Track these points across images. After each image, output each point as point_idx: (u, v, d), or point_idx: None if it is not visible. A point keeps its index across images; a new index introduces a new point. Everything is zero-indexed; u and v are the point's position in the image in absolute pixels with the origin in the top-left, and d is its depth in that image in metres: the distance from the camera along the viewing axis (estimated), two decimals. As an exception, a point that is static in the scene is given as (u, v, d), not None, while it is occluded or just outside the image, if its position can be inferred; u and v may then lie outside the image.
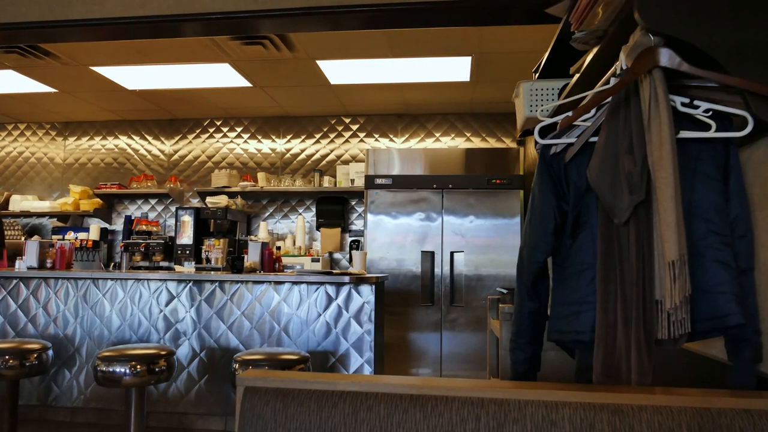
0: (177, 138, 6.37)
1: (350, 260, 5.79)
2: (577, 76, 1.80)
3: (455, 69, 4.74)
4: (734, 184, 1.27)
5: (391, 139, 6.07)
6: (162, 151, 6.38)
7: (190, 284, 3.92)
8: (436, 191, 5.10)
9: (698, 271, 1.21)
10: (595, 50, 1.63)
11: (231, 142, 6.29)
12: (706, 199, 1.25)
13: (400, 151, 5.29)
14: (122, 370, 2.91)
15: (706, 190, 1.26)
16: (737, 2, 1.25)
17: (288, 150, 6.19)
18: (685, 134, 1.27)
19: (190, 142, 6.34)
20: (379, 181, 5.14)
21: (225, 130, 6.30)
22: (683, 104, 1.29)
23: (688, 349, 1.51)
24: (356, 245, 5.77)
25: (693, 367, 1.53)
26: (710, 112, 1.27)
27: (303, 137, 6.18)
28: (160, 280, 3.96)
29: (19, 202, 6.17)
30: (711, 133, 1.26)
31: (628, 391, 1.11)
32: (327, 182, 5.82)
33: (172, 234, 5.89)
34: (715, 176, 1.27)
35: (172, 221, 6.15)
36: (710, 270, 1.22)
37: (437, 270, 5.03)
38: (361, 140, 6.10)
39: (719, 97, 1.28)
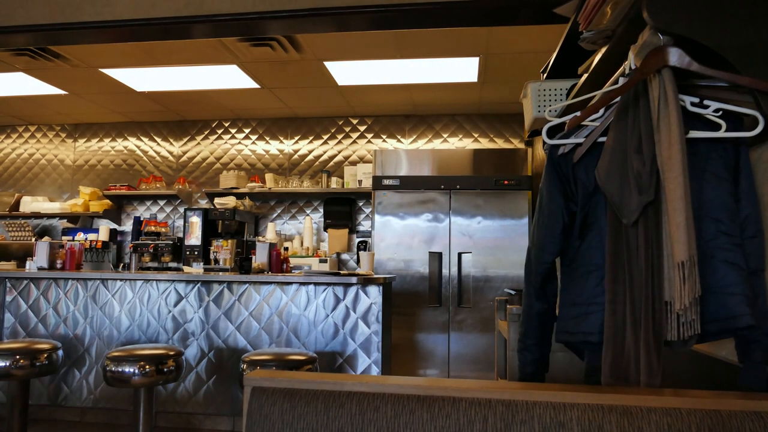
0: (185, 139, 6.40)
1: (358, 261, 5.79)
2: (585, 76, 1.79)
3: (463, 69, 4.73)
4: (744, 184, 1.26)
5: (399, 140, 6.07)
6: (171, 153, 6.41)
7: (199, 285, 3.94)
8: (443, 192, 5.09)
9: (708, 272, 1.20)
10: (603, 50, 1.62)
11: (239, 143, 6.31)
12: (716, 199, 1.24)
13: (407, 151, 5.29)
14: (131, 370, 2.93)
15: (716, 191, 1.25)
16: (747, 1, 1.24)
17: (296, 151, 6.21)
18: (694, 134, 1.26)
19: (199, 143, 6.37)
20: (386, 181, 5.14)
21: (233, 131, 6.33)
22: (693, 104, 1.28)
23: (697, 350, 1.50)
24: (364, 246, 5.78)
25: (703, 369, 1.51)
26: (720, 112, 1.26)
27: (311, 138, 6.20)
28: (168, 280, 3.98)
29: (29, 204, 6.22)
30: (721, 133, 1.25)
31: (637, 392, 1.10)
32: (334, 183, 5.83)
33: (181, 235, 5.92)
34: (725, 176, 1.26)
35: (180, 222, 6.18)
36: (720, 271, 1.20)
37: (445, 271, 5.03)
38: (369, 141, 6.11)
39: (729, 97, 1.27)
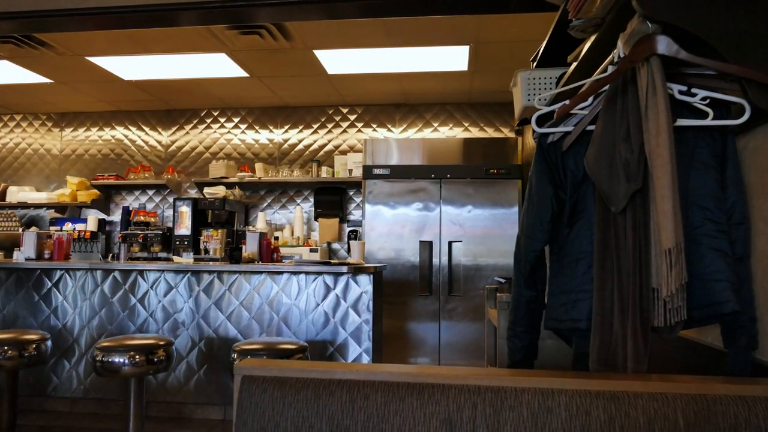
0: (174, 128, 6.35)
1: (348, 250, 5.79)
2: (574, 64, 1.79)
3: (453, 58, 4.72)
4: (731, 172, 1.27)
5: (389, 129, 6.05)
6: (159, 142, 6.36)
7: (189, 275, 3.93)
8: (434, 181, 5.09)
9: (694, 259, 1.21)
10: (592, 38, 1.61)
11: (228, 132, 6.27)
12: (702, 187, 1.25)
13: (398, 141, 5.28)
14: (121, 360, 2.92)
15: (703, 178, 1.26)
16: (735, -11, 1.24)
17: (286, 140, 6.18)
18: (682, 122, 1.26)
19: (188, 132, 6.32)
20: (377, 171, 5.13)
21: (222, 120, 6.28)
22: (681, 92, 1.28)
23: (684, 336, 1.52)
24: (354, 235, 5.77)
25: (689, 355, 1.53)
26: (708, 100, 1.27)
27: (301, 127, 6.16)
28: (158, 270, 3.96)
29: (16, 194, 6.15)
30: (708, 121, 1.26)
31: (624, 378, 1.12)
32: (325, 172, 5.81)
33: (170, 225, 5.88)
34: (712, 164, 1.27)
35: (170, 212, 6.14)
36: (706, 258, 1.22)
37: (435, 260, 5.04)
38: (359, 130, 6.09)
39: (717, 85, 1.27)
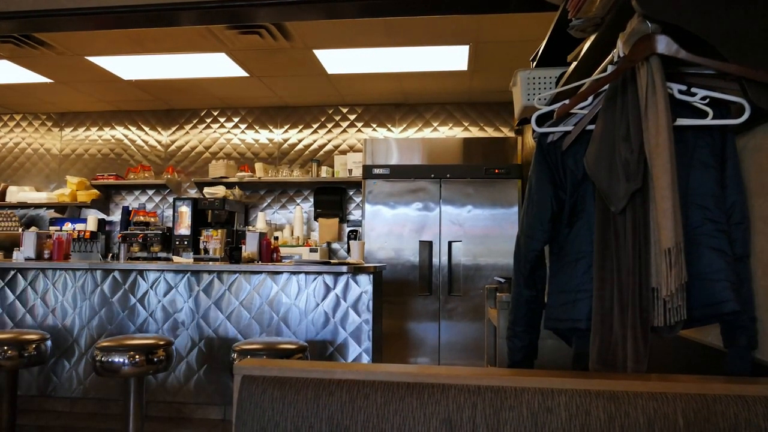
0: (174, 128, 6.34)
1: (348, 250, 5.79)
2: (574, 64, 1.79)
3: (453, 58, 4.72)
4: (731, 171, 1.27)
5: (389, 129, 6.05)
6: (159, 142, 6.36)
7: (188, 275, 3.93)
8: (434, 181, 5.09)
9: (694, 259, 1.21)
10: (592, 38, 1.61)
11: (228, 132, 6.27)
12: (702, 186, 1.25)
13: (398, 140, 5.28)
14: (121, 360, 2.92)
15: (703, 178, 1.26)
16: (735, -12, 1.24)
17: (285, 140, 6.18)
18: (682, 122, 1.26)
19: (187, 132, 6.32)
20: (377, 170, 5.13)
21: (222, 120, 6.28)
22: (680, 92, 1.28)
23: (684, 336, 1.52)
24: (354, 235, 5.77)
25: (689, 355, 1.53)
26: (707, 100, 1.27)
27: (300, 127, 6.16)
28: (158, 270, 3.96)
29: (16, 193, 6.15)
30: (708, 121, 1.26)
31: (624, 378, 1.12)
32: (325, 172, 5.81)
33: (170, 225, 5.88)
34: (711, 164, 1.27)
35: (169, 212, 6.14)
36: (706, 257, 1.22)
37: (435, 260, 5.04)
38: (359, 130, 6.09)
39: (717, 85, 1.27)
